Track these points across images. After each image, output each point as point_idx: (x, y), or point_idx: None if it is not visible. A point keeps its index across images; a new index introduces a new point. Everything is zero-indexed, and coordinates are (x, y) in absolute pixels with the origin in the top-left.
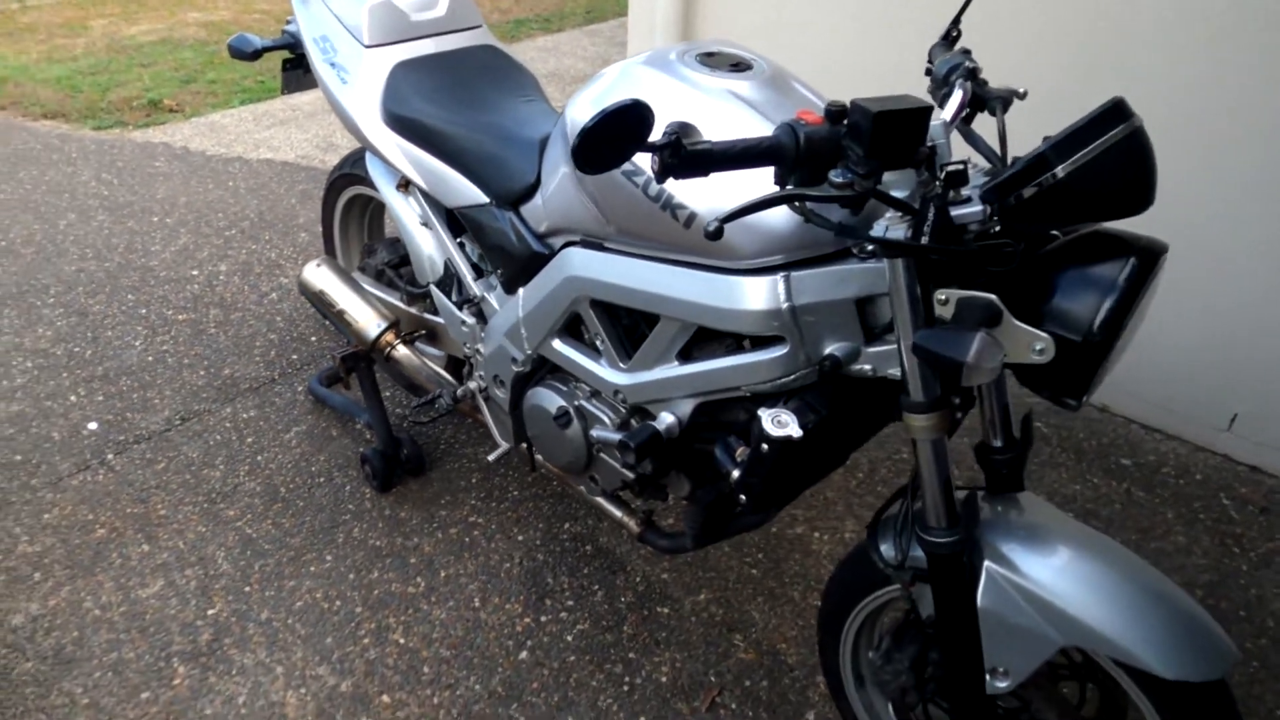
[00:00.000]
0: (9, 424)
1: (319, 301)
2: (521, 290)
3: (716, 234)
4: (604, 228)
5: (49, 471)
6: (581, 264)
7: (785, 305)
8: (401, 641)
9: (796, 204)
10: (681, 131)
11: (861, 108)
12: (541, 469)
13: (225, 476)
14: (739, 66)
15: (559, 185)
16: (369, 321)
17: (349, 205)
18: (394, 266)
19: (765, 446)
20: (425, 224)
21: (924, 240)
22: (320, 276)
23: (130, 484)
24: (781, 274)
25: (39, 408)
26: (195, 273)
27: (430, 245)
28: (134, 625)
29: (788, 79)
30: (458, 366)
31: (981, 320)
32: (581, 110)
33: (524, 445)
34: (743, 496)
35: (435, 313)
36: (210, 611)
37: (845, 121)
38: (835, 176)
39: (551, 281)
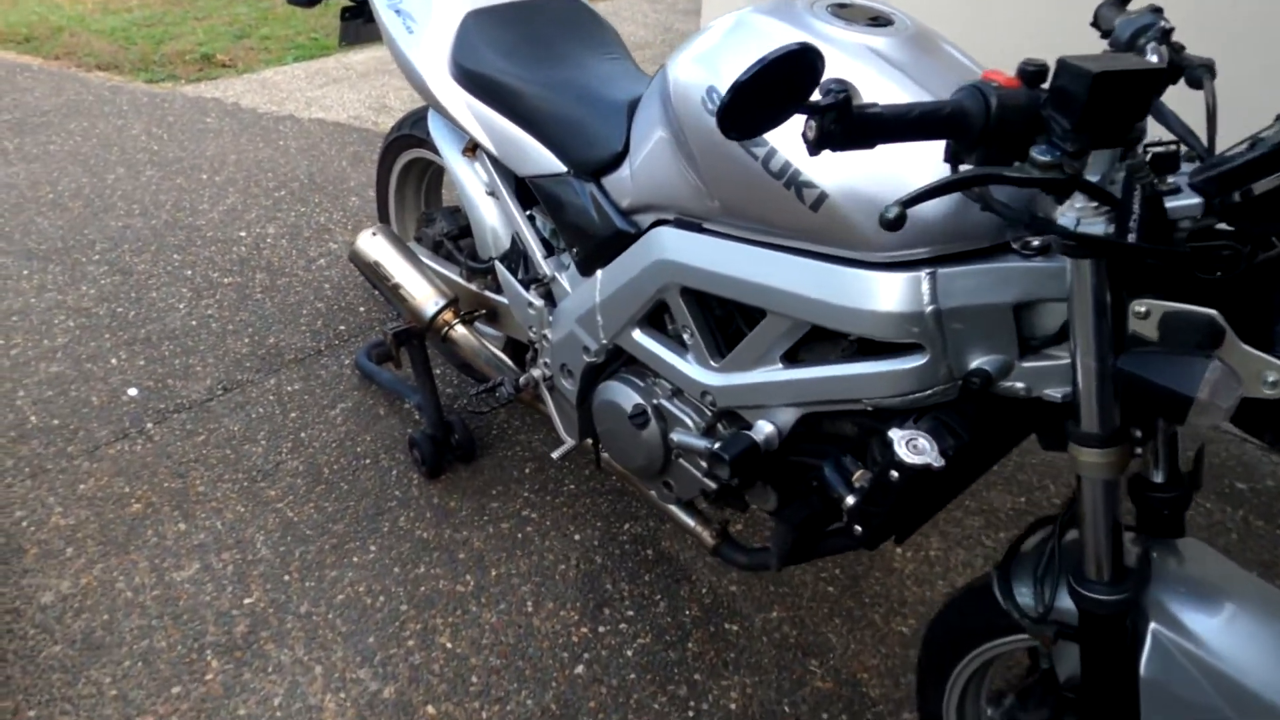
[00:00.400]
0: (48, 385)
1: (373, 273)
2: (600, 272)
3: (897, 222)
4: (705, 205)
5: (86, 439)
6: (674, 246)
7: (929, 308)
8: (449, 646)
9: (978, 188)
10: (849, 91)
11: (1074, 67)
12: (606, 468)
13: (267, 453)
14: (878, 21)
15: (652, 154)
16: (426, 298)
17: (406, 169)
18: (453, 238)
19: (895, 474)
20: (491, 193)
21: (1130, 237)
22: (375, 246)
23: (169, 456)
24: (926, 271)
25: (79, 370)
26: (242, 234)
27: (495, 217)
28: (167, 611)
29: (934, 38)
30: (517, 349)
31: (1198, 341)
32: (687, 69)
33: (589, 441)
34: (858, 528)
35: (497, 290)
36: (247, 600)
37: (1047, 85)
38: (1039, 154)
39: (637, 264)
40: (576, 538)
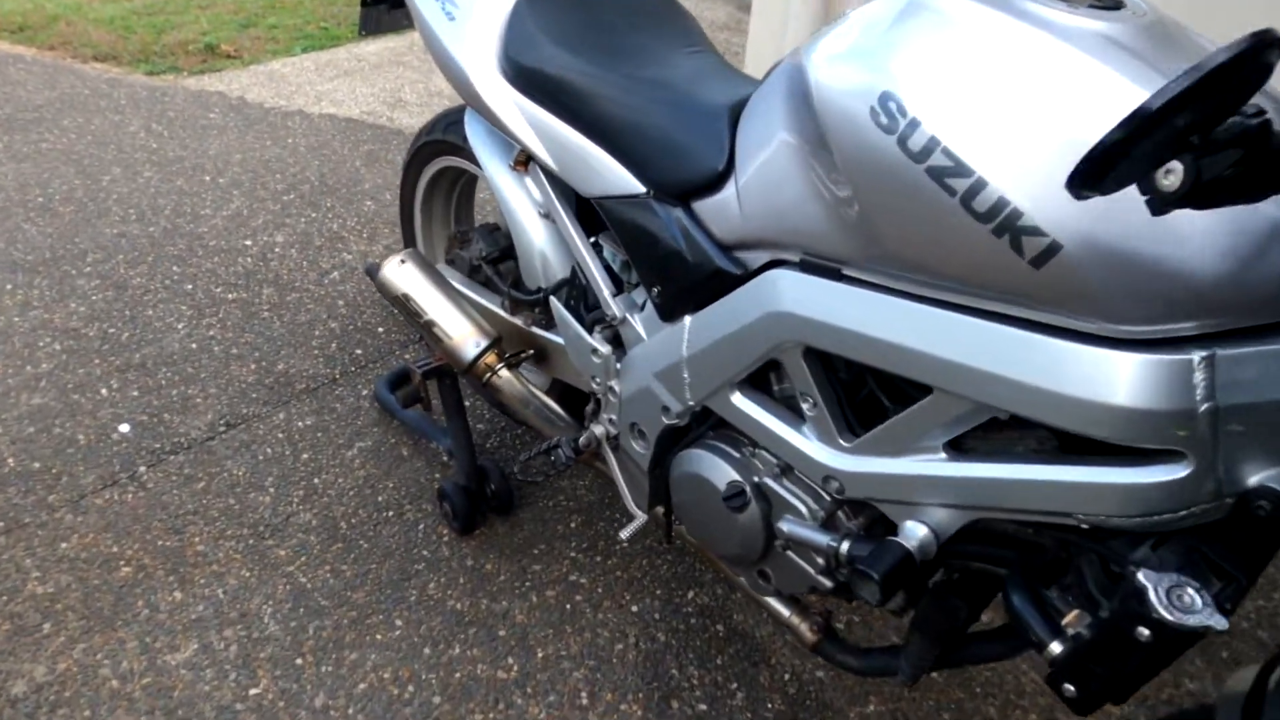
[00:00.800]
0: (30, 420)
1: (403, 307)
2: (688, 319)
3: None
4: (852, 247)
5: (70, 486)
6: (799, 296)
7: (1205, 406)
8: None
9: None
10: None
11: None
12: (678, 541)
13: (276, 504)
14: (1103, 2)
15: (772, 176)
16: (466, 338)
17: (435, 180)
18: (493, 261)
19: (1146, 633)
20: (546, 215)
21: None
22: (406, 277)
23: (164, 507)
24: (1200, 353)
25: (65, 402)
26: (248, 243)
27: (549, 243)
28: (158, 705)
29: (1179, 27)
30: (565, 391)
31: None
32: (839, 70)
33: (660, 509)
34: (1070, 687)
35: (546, 325)
36: (253, 691)
37: None
38: None
39: (743, 315)
40: (634, 609)
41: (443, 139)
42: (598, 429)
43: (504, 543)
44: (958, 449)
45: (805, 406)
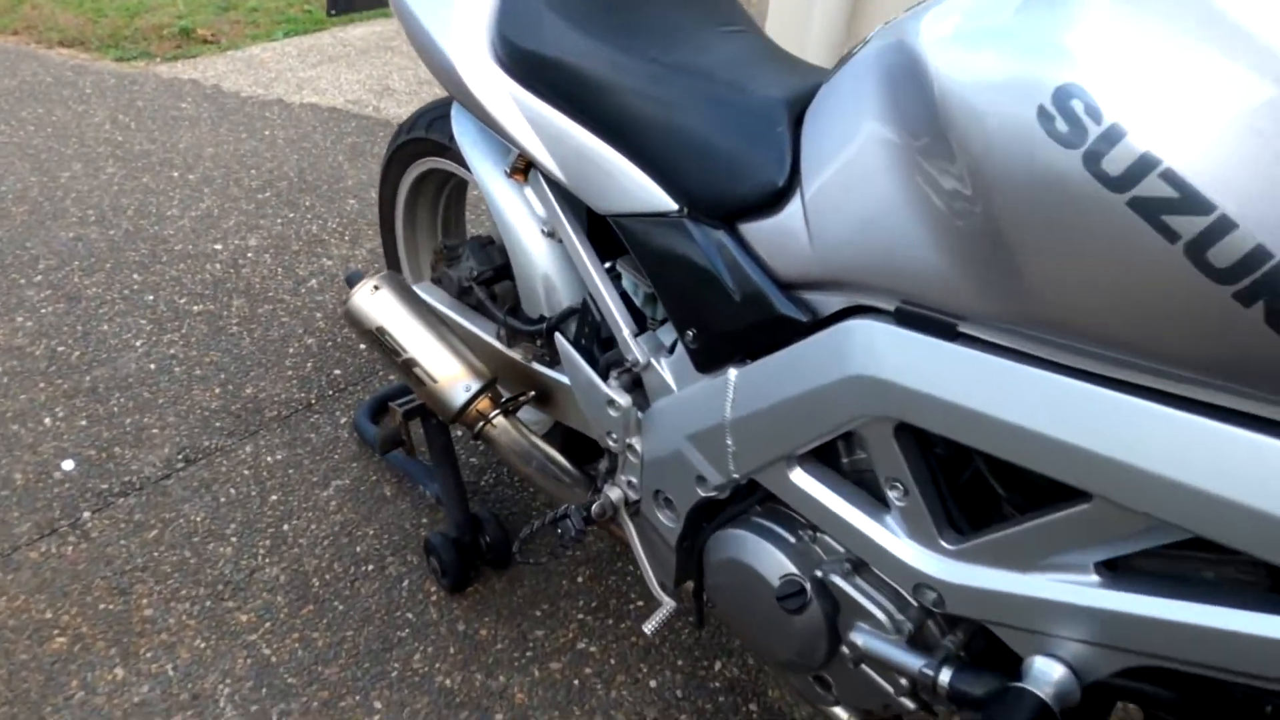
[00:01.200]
0: None
1: (377, 343)
2: (734, 372)
3: None
4: (982, 297)
5: (2, 536)
6: (893, 357)
7: None
8: None
9: None
10: None
11: None
12: (711, 624)
13: (238, 556)
14: None
15: (857, 191)
16: (453, 381)
17: (418, 184)
18: (487, 282)
19: None
20: (550, 233)
21: None
22: (380, 306)
23: (109, 562)
24: None
25: (2, 433)
26: (218, 247)
27: (553, 267)
28: None
29: None
30: (568, 437)
31: None
32: (953, 51)
33: (689, 584)
34: None
35: (550, 361)
36: None
37: None
38: None
39: (812, 374)
40: (652, 684)
41: (425, 137)
42: (613, 493)
43: (501, 603)
44: (1114, 568)
45: (893, 495)
